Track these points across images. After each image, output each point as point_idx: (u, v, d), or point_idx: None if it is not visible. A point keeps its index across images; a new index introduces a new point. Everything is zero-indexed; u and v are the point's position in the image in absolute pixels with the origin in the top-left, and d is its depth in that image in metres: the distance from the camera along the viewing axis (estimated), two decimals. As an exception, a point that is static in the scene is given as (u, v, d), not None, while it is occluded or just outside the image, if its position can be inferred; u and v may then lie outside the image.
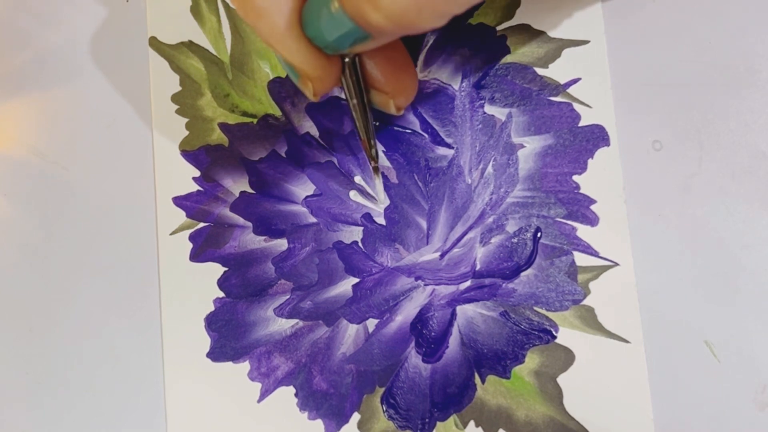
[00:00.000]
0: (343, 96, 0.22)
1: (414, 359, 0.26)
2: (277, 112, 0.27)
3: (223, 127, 0.27)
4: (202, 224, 0.27)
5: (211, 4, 0.28)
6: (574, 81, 0.26)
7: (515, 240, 0.26)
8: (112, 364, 0.27)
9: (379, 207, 0.26)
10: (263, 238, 0.27)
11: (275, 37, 0.19)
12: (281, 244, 0.27)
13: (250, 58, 0.28)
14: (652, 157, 0.25)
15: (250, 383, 0.26)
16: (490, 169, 0.26)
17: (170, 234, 0.27)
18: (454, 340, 0.25)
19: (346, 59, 0.21)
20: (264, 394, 0.26)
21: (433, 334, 0.26)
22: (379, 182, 0.25)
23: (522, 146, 0.26)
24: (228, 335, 0.26)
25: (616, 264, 0.25)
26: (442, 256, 0.26)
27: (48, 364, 0.27)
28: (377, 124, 0.27)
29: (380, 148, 0.27)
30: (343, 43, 0.19)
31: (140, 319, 0.27)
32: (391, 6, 0.17)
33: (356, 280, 0.26)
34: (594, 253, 0.25)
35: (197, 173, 0.27)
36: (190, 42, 0.28)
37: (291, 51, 0.19)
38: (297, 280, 0.26)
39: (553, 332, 0.25)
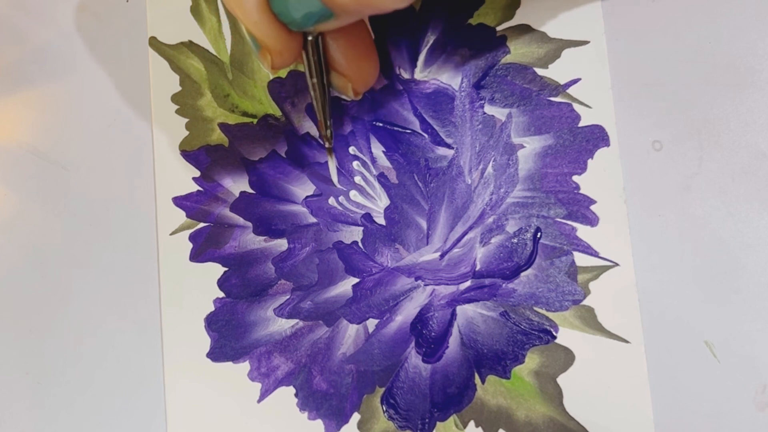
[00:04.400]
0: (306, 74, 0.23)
1: (414, 359, 0.25)
2: (277, 113, 0.27)
3: (223, 127, 0.27)
4: (202, 224, 0.27)
5: (212, 4, 0.28)
6: (574, 81, 0.26)
7: (515, 240, 0.26)
8: (112, 364, 0.27)
9: (336, 185, 0.26)
10: (263, 238, 0.27)
11: (240, 8, 0.19)
12: (281, 244, 0.27)
13: (250, 58, 0.28)
14: (652, 157, 0.25)
15: (250, 383, 0.26)
16: (490, 169, 0.26)
17: (170, 234, 0.27)
18: (454, 341, 0.25)
19: (309, 37, 0.21)
20: (264, 394, 0.26)
21: (433, 334, 0.26)
22: (332, 164, 0.25)
23: (522, 146, 0.26)
24: (228, 335, 0.26)
25: (616, 264, 0.25)
26: (442, 256, 0.26)
27: (48, 364, 0.27)
28: (379, 124, 0.27)
29: (380, 148, 0.27)
30: (308, 21, 0.19)
31: (140, 319, 0.27)
32: None
33: (356, 280, 0.26)
34: (594, 254, 0.25)
35: (197, 173, 0.27)
36: (190, 42, 0.28)
37: (255, 23, 0.19)
38: (297, 280, 0.26)
39: (553, 332, 0.25)
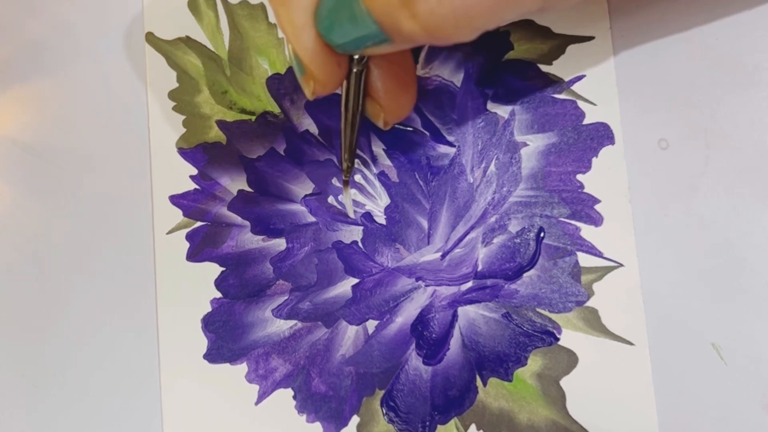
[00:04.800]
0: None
1: (414, 361, 0.25)
2: (276, 110, 0.27)
3: (221, 124, 0.27)
4: (199, 223, 0.27)
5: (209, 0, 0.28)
6: (579, 78, 0.26)
7: (518, 240, 0.25)
8: (108, 366, 0.27)
9: (351, 214, 0.26)
10: (261, 237, 0.27)
11: (292, 29, 0.19)
12: (280, 243, 0.27)
13: (249, 54, 0.27)
14: (657, 156, 0.25)
15: (247, 385, 0.26)
16: (492, 167, 0.26)
17: (167, 233, 0.27)
18: (455, 342, 0.25)
19: (354, 70, 0.21)
20: (262, 396, 0.26)
21: (434, 335, 0.25)
22: (348, 197, 0.25)
23: (525, 144, 0.26)
24: (225, 336, 0.26)
25: (621, 265, 0.25)
26: (443, 256, 0.26)
27: (43, 367, 0.27)
28: None
29: (380, 146, 0.26)
30: (358, 45, 0.19)
31: (136, 320, 0.27)
32: (429, 17, 0.17)
33: (356, 280, 0.26)
34: (598, 254, 0.25)
35: (194, 171, 0.27)
36: (188, 38, 0.28)
37: (304, 47, 0.19)
38: (296, 281, 0.26)
39: (556, 334, 0.25)
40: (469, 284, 0.25)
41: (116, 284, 0.27)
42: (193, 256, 0.27)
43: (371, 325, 0.26)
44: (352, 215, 0.26)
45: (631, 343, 0.24)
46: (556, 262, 0.25)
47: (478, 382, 0.25)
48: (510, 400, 0.25)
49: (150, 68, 0.28)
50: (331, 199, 0.27)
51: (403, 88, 0.22)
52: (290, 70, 0.27)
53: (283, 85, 0.27)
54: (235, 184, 0.27)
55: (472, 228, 0.26)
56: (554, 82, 0.26)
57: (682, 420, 0.24)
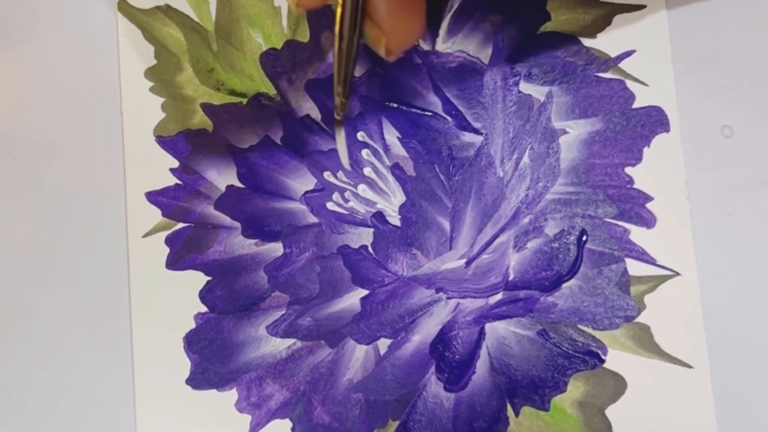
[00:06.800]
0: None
1: (434, 387, 0.25)
2: (272, 91, 0.26)
3: (207, 108, 0.26)
4: (181, 225, 0.26)
5: (193, -38, 0.27)
6: (628, 54, 0.25)
7: (556, 244, 0.24)
8: (76, 391, 0.26)
9: (346, 166, 0.25)
10: (254, 241, 0.26)
11: None
12: (275, 248, 0.26)
13: (239, 25, 0.26)
14: (720, 146, 0.24)
15: (238, 415, 0.25)
16: (526, 159, 0.25)
17: (143, 236, 0.26)
18: (482, 365, 0.24)
19: None
20: (255, 428, 0.25)
21: (457, 356, 0.25)
22: (341, 141, 0.24)
23: (564, 132, 0.25)
24: (212, 358, 0.26)
25: (677, 273, 0.24)
26: (468, 263, 0.25)
27: (2, 391, 0.26)
28: (393, 105, 0.26)
29: (394, 134, 0.26)
30: None
31: (107, 339, 0.26)
32: None
33: (365, 292, 0.25)
34: (650, 261, 0.24)
35: (175, 164, 0.26)
36: (167, 6, 0.27)
37: None
38: (294, 292, 0.25)
39: (601, 355, 0.24)
40: (499, 296, 0.25)
41: (84, 296, 0.26)
42: (174, 263, 0.26)
43: (383, 344, 0.25)
44: (347, 166, 0.25)
45: (689, 366, 0.24)
46: (600, 270, 0.24)
47: (509, 411, 0.24)
48: (547, 433, 0.24)
49: (123, 42, 0.27)
50: (336, 197, 0.26)
51: (408, 8, 0.21)
52: (288, 45, 0.26)
53: (279, 62, 0.26)
54: (223, 178, 0.26)
55: (502, 230, 0.25)
56: (599, 58, 0.25)
57: (748, 455, 0.23)
